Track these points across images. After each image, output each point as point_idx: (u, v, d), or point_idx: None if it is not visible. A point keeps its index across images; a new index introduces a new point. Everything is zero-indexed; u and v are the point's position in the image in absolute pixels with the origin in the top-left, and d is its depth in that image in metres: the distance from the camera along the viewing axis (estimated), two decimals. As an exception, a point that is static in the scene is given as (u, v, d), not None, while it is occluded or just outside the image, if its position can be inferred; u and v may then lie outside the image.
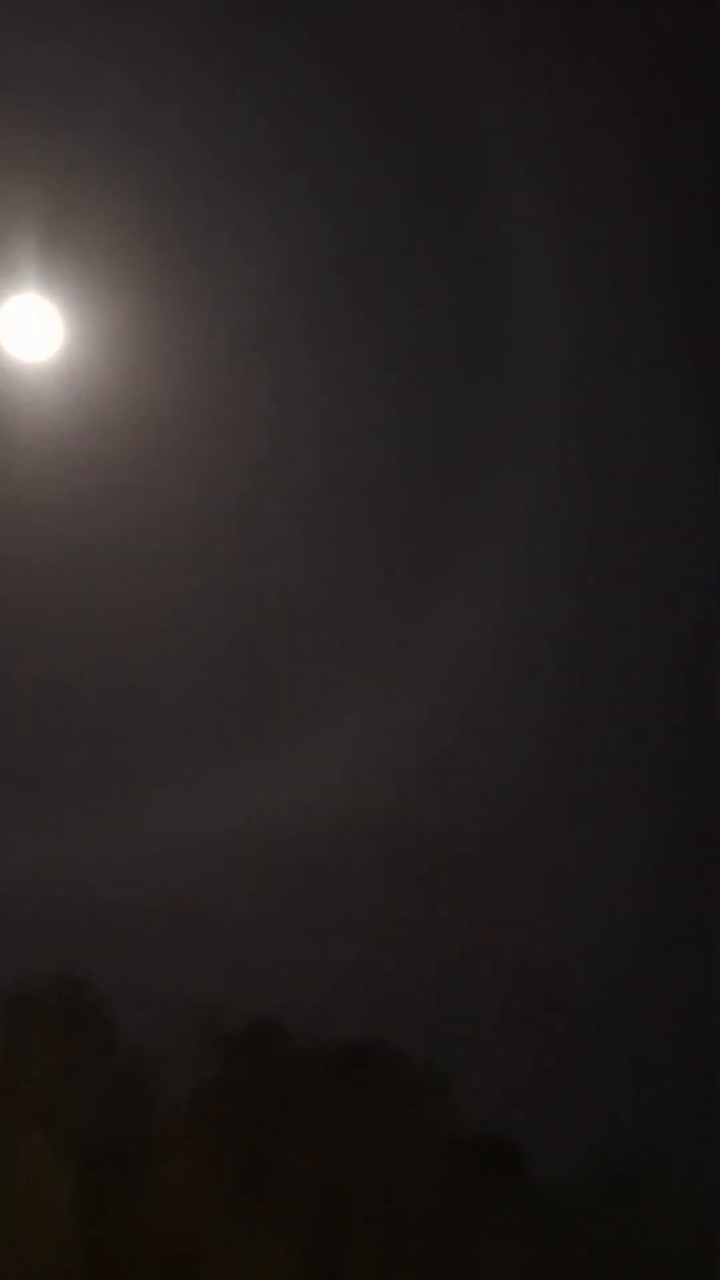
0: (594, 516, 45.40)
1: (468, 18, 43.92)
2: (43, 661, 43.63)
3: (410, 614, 44.80)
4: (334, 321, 44.35)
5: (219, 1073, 36.59)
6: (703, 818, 40.28)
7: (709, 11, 43.86)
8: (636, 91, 44.55)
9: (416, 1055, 36.67)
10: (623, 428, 45.47)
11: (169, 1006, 36.47)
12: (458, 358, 45.92)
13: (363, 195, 44.76)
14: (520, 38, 44.15)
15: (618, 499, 45.28)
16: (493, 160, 44.54)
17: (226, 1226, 32.54)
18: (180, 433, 43.83)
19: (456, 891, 41.36)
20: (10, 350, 40.75)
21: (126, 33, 43.17)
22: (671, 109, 44.95)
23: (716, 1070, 34.97)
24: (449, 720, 43.31)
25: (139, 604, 43.81)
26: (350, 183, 44.59)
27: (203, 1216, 32.79)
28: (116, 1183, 33.43)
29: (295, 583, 45.09)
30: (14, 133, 42.33)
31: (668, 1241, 32.97)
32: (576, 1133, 34.68)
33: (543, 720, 44.11)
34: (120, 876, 39.79)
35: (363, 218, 44.84)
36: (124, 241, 43.53)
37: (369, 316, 44.36)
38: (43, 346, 41.00)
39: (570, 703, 44.41)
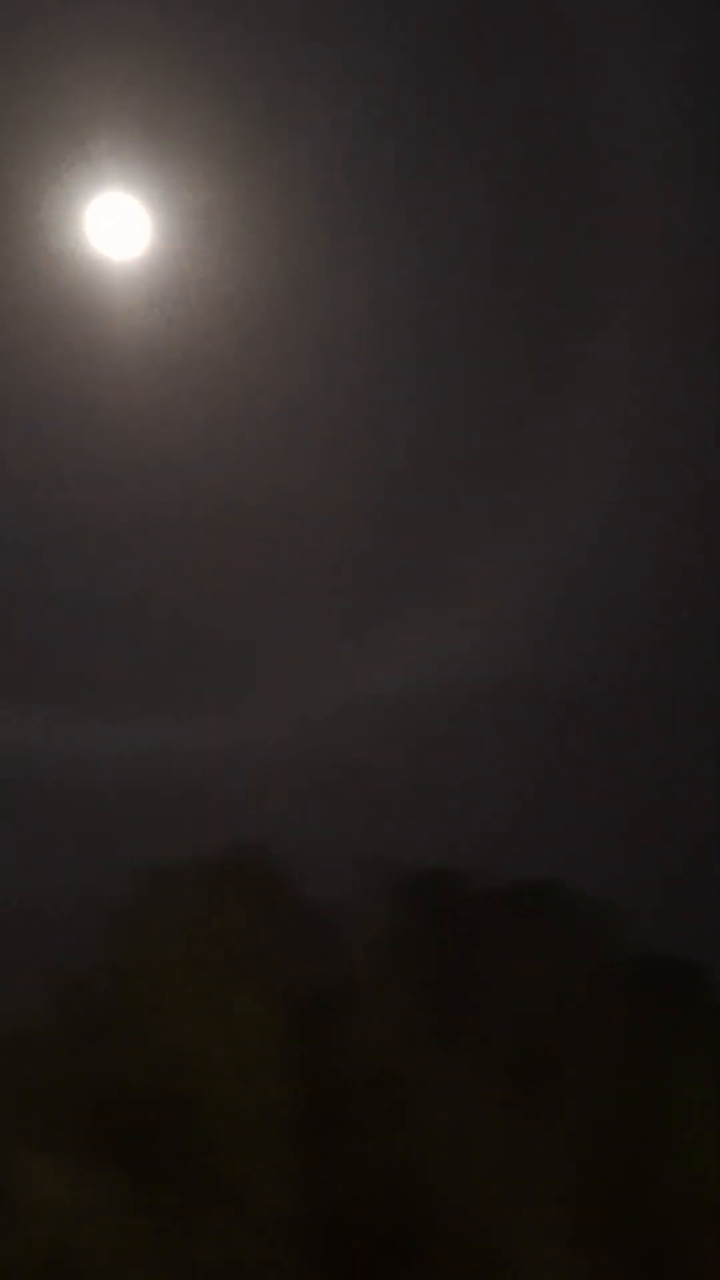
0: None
1: None
2: (178, 549, 44.41)
3: (540, 465, 45.29)
4: (422, 205, 44.41)
5: (397, 920, 37.69)
6: None
7: None
8: None
9: (592, 890, 37.59)
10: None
11: (349, 861, 37.49)
12: (550, 241, 45.96)
13: (449, 65, 44.67)
14: None
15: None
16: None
17: (427, 1061, 33.47)
18: (269, 325, 44.19)
19: (612, 734, 42.20)
20: (99, 248, 41.11)
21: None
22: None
23: None
24: (587, 571, 43.93)
25: (256, 490, 44.40)
26: (435, 50, 44.47)
27: (403, 1052, 33.78)
28: (320, 1026, 34.51)
29: (419, 448, 45.54)
30: (97, 30, 42.49)
31: None
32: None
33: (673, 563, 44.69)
34: (289, 745, 40.80)
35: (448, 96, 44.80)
36: (209, 138, 43.73)
37: (455, 198, 44.40)
38: (130, 244, 41.34)
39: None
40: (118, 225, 40.89)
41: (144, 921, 34.29)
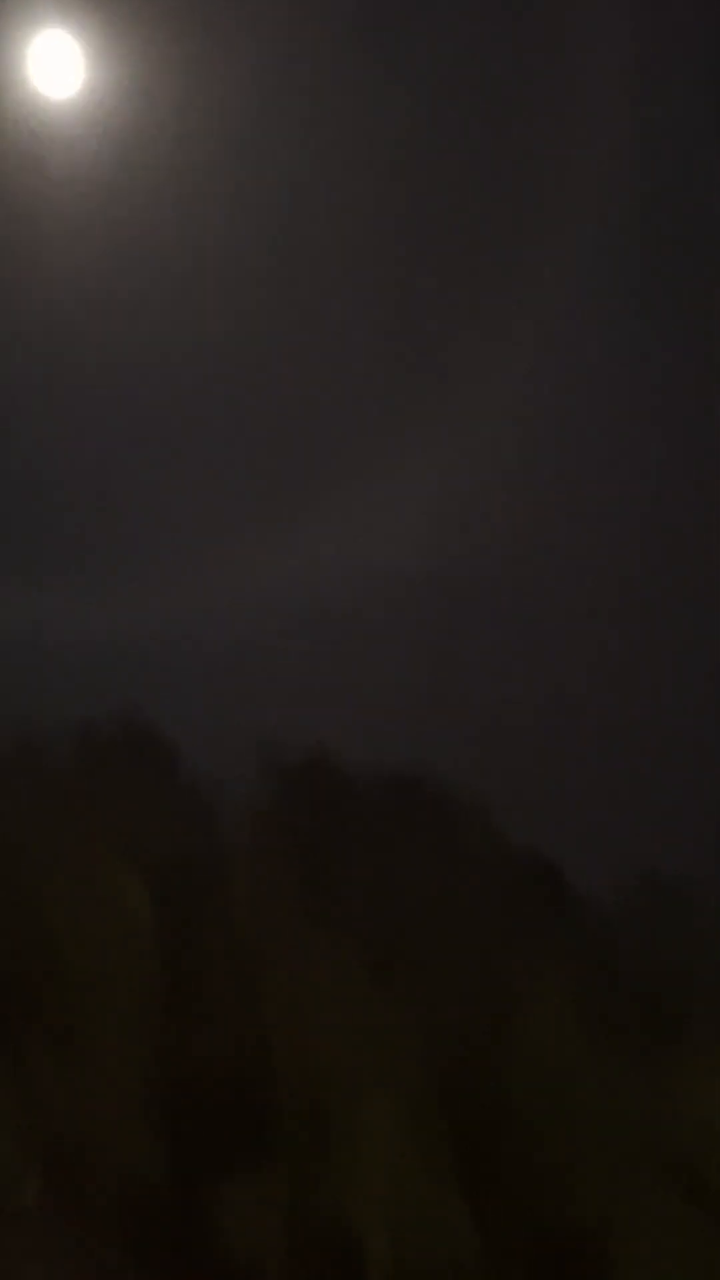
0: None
1: None
2: (86, 411, 44.30)
3: (453, 368, 45.47)
4: (360, 70, 43.98)
5: (277, 799, 38.42)
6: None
7: None
8: None
9: (463, 783, 38.39)
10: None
11: (230, 741, 38.12)
12: (493, 123, 45.82)
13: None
14: None
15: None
16: None
17: (290, 934, 34.23)
18: (199, 170, 43.84)
19: (494, 631, 42.85)
20: (37, 85, 40.75)
21: None
22: None
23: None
24: (486, 475, 44.33)
25: (170, 348, 44.11)
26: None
27: (268, 925, 34.55)
28: (187, 897, 35.21)
29: (342, 324, 45.48)
30: None
31: (704, 949, 34.80)
32: (616, 851, 36.50)
33: (575, 473, 45.14)
34: (183, 625, 41.25)
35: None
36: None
37: (395, 68, 43.97)
38: (67, 82, 41.01)
39: (596, 461, 45.38)
40: (56, 62, 40.59)
41: (13, 783, 34.89)
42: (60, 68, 40.59)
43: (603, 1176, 30.79)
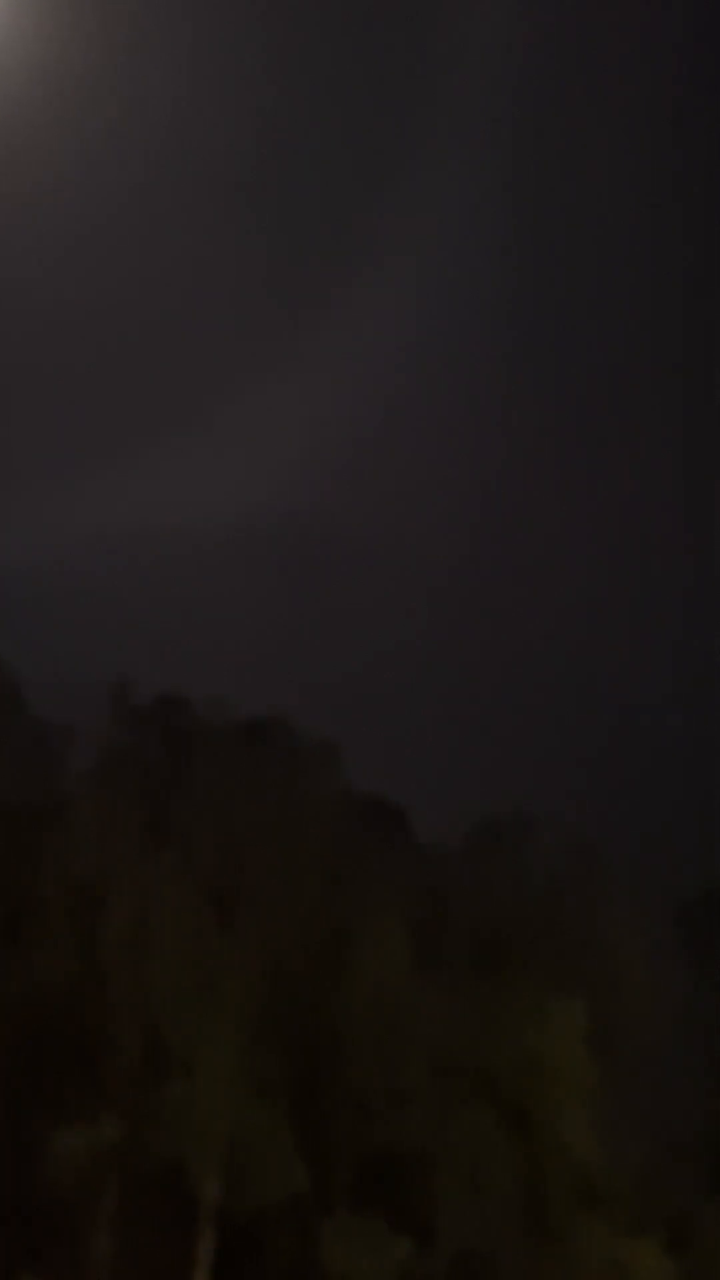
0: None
1: None
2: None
3: (334, 315, 45.23)
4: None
5: (125, 740, 38.15)
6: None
7: None
8: None
9: (312, 729, 38.30)
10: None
11: (79, 682, 37.77)
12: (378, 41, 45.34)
13: None
14: None
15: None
16: None
17: (133, 872, 33.99)
18: (89, 110, 43.21)
19: (351, 582, 42.76)
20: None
21: None
22: None
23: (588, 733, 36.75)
24: (356, 425, 44.19)
25: (43, 288, 43.59)
26: None
27: (111, 862, 34.30)
28: (32, 835, 34.92)
29: (203, 268, 45.12)
30: None
31: (532, 889, 34.95)
32: (458, 800, 36.50)
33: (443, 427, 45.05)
34: (33, 563, 40.77)
35: None
36: None
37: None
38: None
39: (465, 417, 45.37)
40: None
41: None
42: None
43: (428, 1105, 30.85)
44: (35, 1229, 31.35)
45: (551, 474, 41.29)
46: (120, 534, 40.31)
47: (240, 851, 35.15)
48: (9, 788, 36.39)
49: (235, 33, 43.50)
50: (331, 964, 32.95)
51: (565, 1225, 29.41)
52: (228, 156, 44.15)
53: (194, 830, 35.73)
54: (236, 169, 44.30)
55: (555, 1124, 29.70)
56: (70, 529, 40.60)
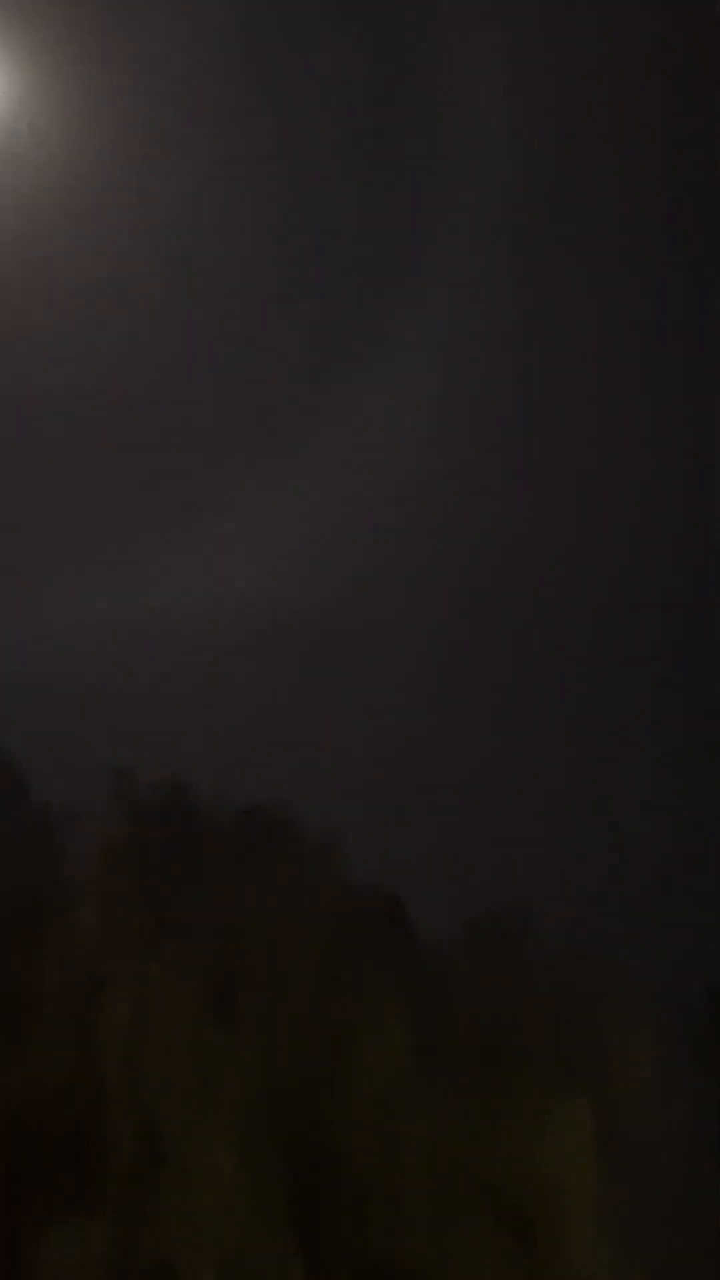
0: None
1: None
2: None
3: (323, 409, 45.05)
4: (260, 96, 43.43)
5: (127, 829, 37.62)
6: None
7: None
8: None
9: (315, 821, 37.80)
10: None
11: (81, 769, 37.31)
12: (381, 137, 45.36)
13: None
14: None
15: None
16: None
17: (132, 963, 33.44)
18: (109, 200, 43.14)
19: (348, 670, 42.36)
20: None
21: None
22: None
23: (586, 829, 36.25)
24: (350, 516, 43.86)
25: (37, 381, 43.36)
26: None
27: (111, 954, 33.75)
28: (32, 924, 34.38)
29: (208, 355, 44.86)
30: None
31: (533, 986, 34.33)
32: (458, 887, 35.96)
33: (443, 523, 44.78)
34: (37, 651, 40.37)
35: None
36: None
37: (293, 91, 43.45)
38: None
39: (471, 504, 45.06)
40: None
41: None
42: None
43: (428, 1214, 30.14)
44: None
45: (557, 564, 40.92)
46: (124, 623, 39.86)
47: (241, 944, 34.63)
48: (10, 876, 35.89)
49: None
50: (330, 1062, 32.33)
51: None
52: (233, 242, 43.98)
53: (194, 921, 35.23)
54: (243, 254, 44.10)
55: (560, 1235, 28.95)
56: (73, 617, 40.15)
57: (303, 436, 43.69)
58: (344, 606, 40.57)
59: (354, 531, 42.15)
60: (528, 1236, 29.11)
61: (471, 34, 43.32)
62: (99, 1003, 33.09)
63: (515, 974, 34.94)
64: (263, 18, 43.72)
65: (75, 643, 40.13)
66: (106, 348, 42.96)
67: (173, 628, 40.50)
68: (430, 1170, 30.38)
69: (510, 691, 39.55)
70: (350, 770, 40.08)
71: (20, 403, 43.07)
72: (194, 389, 43.83)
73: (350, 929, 35.35)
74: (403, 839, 37.79)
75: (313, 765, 39.97)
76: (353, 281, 44.19)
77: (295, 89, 43.20)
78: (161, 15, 42.86)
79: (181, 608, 40.94)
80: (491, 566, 41.51)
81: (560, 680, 39.97)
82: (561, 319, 44.07)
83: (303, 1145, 31.84)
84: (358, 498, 42.74)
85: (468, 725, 38.88)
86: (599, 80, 44.04)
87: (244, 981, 33.90)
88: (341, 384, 43.98)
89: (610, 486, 43.03)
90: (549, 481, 42.51)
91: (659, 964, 32.77)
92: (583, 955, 34.26)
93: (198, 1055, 32.19)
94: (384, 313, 44.36)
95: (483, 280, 45.38)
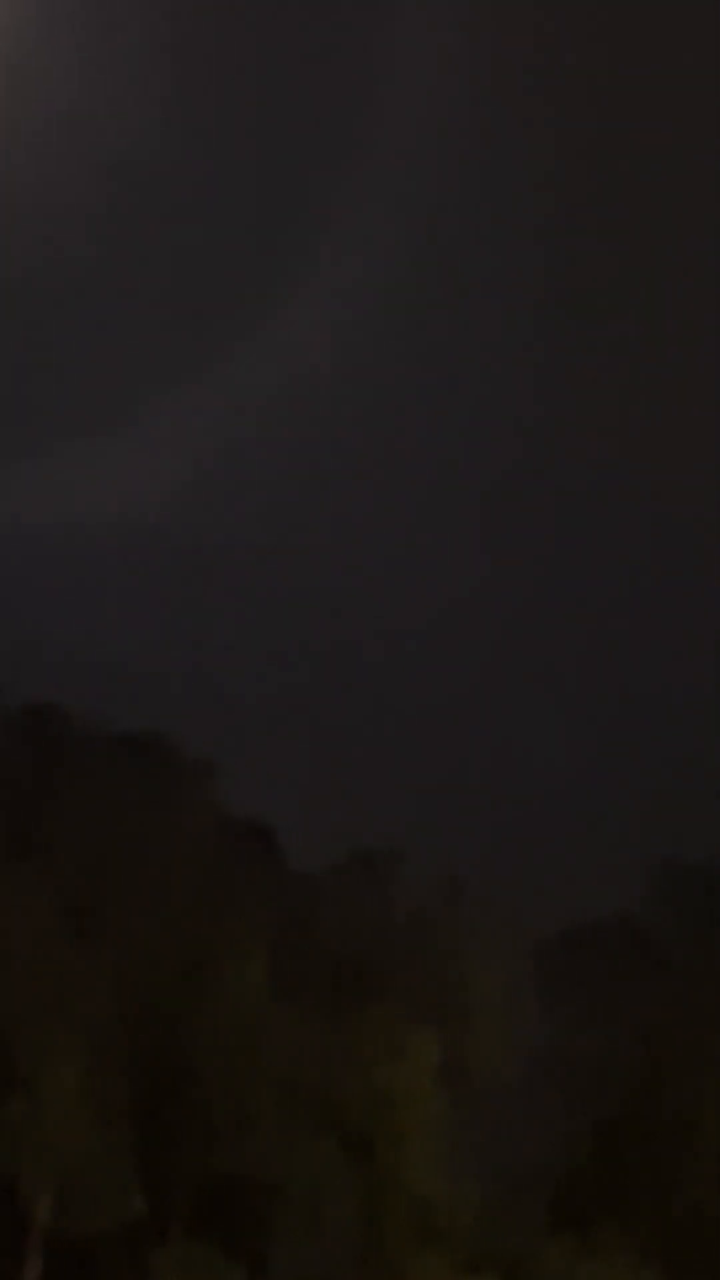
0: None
1: None
2: None
3: (233, 328, 44.27)
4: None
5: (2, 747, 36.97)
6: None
7: None
8: None
9: (190, 750, 37.21)
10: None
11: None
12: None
13: None
14: None
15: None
16: None
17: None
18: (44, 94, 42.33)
19: (237, 597, 41.70)
20: None
21: None
22: None
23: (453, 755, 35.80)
24: (250, 440, 43.18)
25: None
26: None
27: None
28: None
29: (127, 270, 44.09)
30: None
31: (396, 920, 33.99)
32: (330, 829, 35.47)
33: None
34: None
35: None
36: None
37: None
38: None
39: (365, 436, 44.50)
40: None
41: None
42: None
43: (275, 1132, 29.73)
44: None
45: (461, 490, 40.55)
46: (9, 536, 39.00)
47: (104, 867, 33.99)
48: None
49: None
50: (188, 986, 31.77)
51: (403, 1260, 28.27)
52: (155, 155, 43.37)
53: (58, 843, 34.54)
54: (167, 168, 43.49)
55: (398, 1157, 28.59)
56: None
57: (217, 349, 42.97)
58: (238, 531, 39.94)
59: (258, 455, 41.51)
60: (369, 1157, 28.69)
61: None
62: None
63: (378, 907, 34.54)
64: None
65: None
66: (26, 250, 42.10)
67: (59, 540, 39.66)
68: (279, 1092, 29.89)
69: (390, 638, 39.03)
70: (231, 704, 39.46)
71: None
72: (112, 296, 43.08)
73: (219, 856, 34.82)
74: (280, 773, 37.27)
75: (194, 695, 39.34)
76: (278, 185, 43.59)
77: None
78: None
79: (71, 519, 40.07)
80: (383, 494, 41.07)
81: (440, 628, 39.47)
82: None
83: (154, 1066, 31.30)
84: (259, 419, 42.09)
85: (348, 666, 38.35)
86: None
87: (105, 902, 33.26)
88: (262, 293, 43.19)
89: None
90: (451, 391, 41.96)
91: (517, 903, 32.46)
92: (444, 892, 33.95)
93: (51, 973, 31.52)
94: (304, 218, 43.74)
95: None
